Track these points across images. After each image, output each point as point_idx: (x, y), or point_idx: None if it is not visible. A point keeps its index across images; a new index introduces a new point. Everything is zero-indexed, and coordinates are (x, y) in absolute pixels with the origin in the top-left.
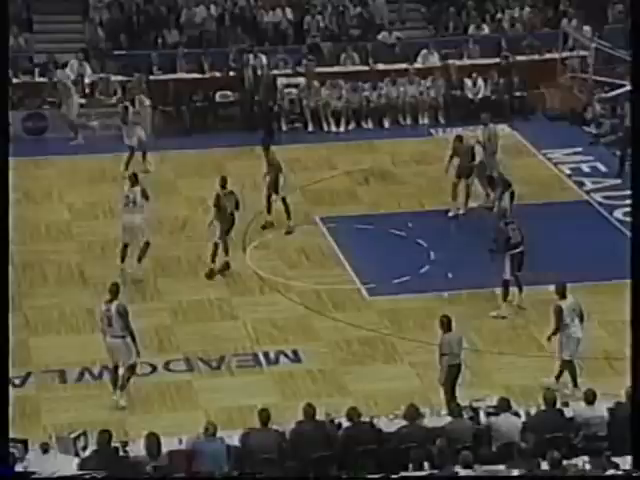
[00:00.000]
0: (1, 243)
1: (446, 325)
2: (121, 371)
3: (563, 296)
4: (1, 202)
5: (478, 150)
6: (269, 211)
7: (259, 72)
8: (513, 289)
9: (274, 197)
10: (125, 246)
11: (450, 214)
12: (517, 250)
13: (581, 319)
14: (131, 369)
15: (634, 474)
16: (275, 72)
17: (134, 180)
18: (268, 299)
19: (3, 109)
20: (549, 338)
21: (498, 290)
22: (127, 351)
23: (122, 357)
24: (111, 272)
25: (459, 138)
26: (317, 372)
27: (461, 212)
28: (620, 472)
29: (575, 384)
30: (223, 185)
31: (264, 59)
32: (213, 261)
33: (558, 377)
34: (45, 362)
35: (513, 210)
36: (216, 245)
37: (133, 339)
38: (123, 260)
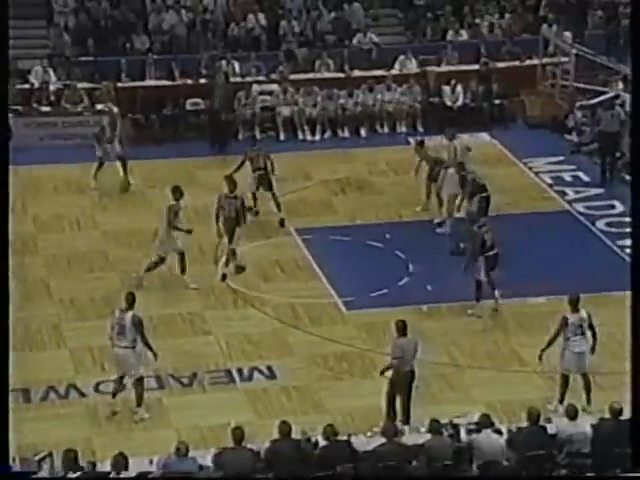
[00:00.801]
0: (2, 250)
1: (401, 329)
2: (128, 382)
3: (575, 309)
4: (1, 209)
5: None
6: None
7: (221, 79)
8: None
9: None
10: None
11: (436, 221)
12: (492, 252)
13: (593, 334)
14: (140, 381)
15: (634, 474)
16: (248, 79)
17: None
18: (242, 313)
19: (3, 115)
20: (543, 349)
21: (478, 303)
22: (136, 362)
23: (130, 368)
24: (77, 286)
25: (420, 143)
26: (292, 389)
27: (436, 221)
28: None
29: (561, 400)
30: (231, 189)
31: (224, 65)
32: (227, 265)
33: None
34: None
35: (492, 219)
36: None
37: (150, 349)
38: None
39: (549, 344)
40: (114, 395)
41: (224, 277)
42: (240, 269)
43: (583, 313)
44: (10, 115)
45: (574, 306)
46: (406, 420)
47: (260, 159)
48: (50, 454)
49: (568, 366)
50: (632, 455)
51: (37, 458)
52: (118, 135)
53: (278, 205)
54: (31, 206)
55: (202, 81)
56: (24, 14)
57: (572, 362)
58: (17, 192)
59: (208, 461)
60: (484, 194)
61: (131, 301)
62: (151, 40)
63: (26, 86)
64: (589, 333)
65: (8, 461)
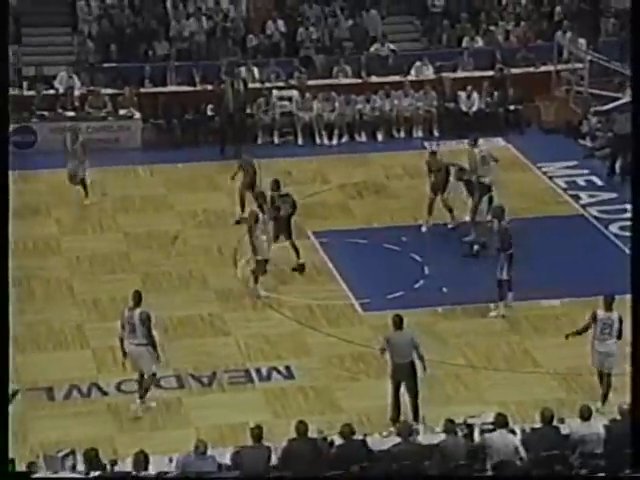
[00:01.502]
0: (2, 251)
1: (397, 324)
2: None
3: (608, 308)
4: (1, 215)
5: (453, 170)
6: (242, 208)
7: (240, 85)
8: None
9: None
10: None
11: (450, 226)
12: (510, 251)
13: (618, 336)
14: (152, 378)
15: (634, 474)
16: (267, 85)
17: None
18: (260, 315)
19: (3, 122)
20: (567, 336)
21: (493, 305)
22: (150, 359)
23: (144, 364)
24: (100, 287)
25: (433, 154)
26: (310, 389)
27: (450, 227)
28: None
29: (604, 399)
30: (276, 188)
31: (244, 71)
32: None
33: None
34: (33, 379)
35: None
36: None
37: (154, 347)
38: (256, 281)
39: (578, 333)
40: (142, 396)
41: (301, 268)
42: (301, 267)
43: (615, 314)
44: (35, 120)
45: (608, 305)
46: (415, 415)
47: (249, 168)
48: (73, 451)
49: (594, 363)
50: (632, 455)
51: (60, 455)
52: (79, 150)
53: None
54: (55, 209)
55: (222, 86)
56: (49, 22)
57: (597, 360)
58: (41, 195)
59: (227, 459)
60: (490, 194)
61: (137, 299)
62: (172, 47)
63: (51, 92)
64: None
65: (8, 461)
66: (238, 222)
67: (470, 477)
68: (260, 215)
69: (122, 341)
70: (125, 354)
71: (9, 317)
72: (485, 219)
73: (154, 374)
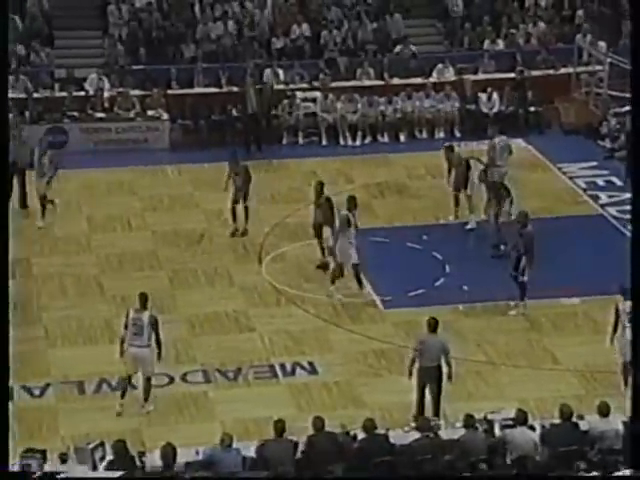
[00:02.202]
0: (1, 253)
1: (432, 326)
2: (138, 380)
3: (627, 298)
4: (1, 212)
5: (475, 163)
6: (234, 219)
7: (266, 87)
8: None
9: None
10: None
11: (468, 226)
12: (532, 254)
13: None
14: (150, 379)
15: (634, 474)
16: (292, 86)
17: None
18: (284, 311)
19: (3, 124)
20: (612, 335)
21: (513, 303)
22: (153, 361)
23: (147, 366)
24: (128, 284)
25: (450, 148)
26: (333, 384)
27: (469, 227)
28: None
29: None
30: (320, 190)
31: (269, 73)
32: (323, 255)
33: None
34: (64, 373)
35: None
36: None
37: (160, 350)
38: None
39: (614, 330)
40: (123, 394)
41: (325, 266)
42: (324, 265)
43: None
44: (67, 121)
45: (626, 296)
46: (435, 413)
47: (241, 172)
48: (102, 443)
49: (622, 354)
50: (632, 455)
51: (90, 447)
52: (47, 165)
53: (247, 218)
54: (85, 207)
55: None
56: (80, 25)
57: (624, 349)
58: (72, 194)
59: (251, 452)
60: (512, 197)
61: (144, 301)
62: (199, 49)
63: (82, 93)
64: None
65: (7, 461)
66: (234, 234)
67: (464, 477)
68: (352, 219)
69: (122, 341)
70: (122, 354)
71: (9, 317)
72: (506, 220)
73: (149, 376)
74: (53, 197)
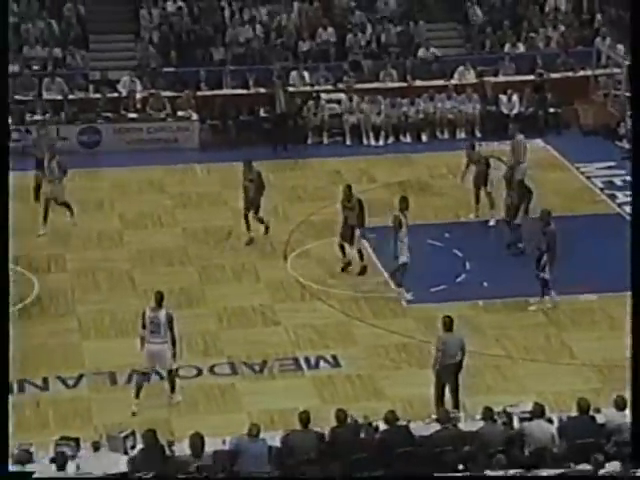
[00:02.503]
0: (2, 251)
1: (448, 324)
2: (155, 376)
3: None
4: (2, 211)
5: (495, 162)
6: (248, 227)
7: (289, 88)
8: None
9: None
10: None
11: (490, 223)
12: (554, 252)
13: None
14: (172, 372)
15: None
16: (317, 88)
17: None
18: (309, 306)
19: (4, 126)
20: None
21: (532, 299)
22: (171, 356)
23: (166, 362)
24: (159, 279)
25: (471, 146)
26: (355, 377)
27: (491, 224)
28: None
29: None
30: (348, 199)
31: (295, 75)
32: (344, 255)
33: None
34: (97, 364)
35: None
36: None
37: (174, 345)
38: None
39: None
40: (138, 392)
41: (348, 265)
42: (347, 264)
43: None
44: (100, 121)
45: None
46: (455, 405)
47: (255, 179)
48: (133, 432)
49: None
50: (632, 455)
51: (122, 436)
52: (56, 169)
53: (261, 222)
54: (118, 204)
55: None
56: (114, 29)
57: None
58: (105, 192)
59: (277, 442)
60: (531, 195)
61: (160, 299)
62: (228, 52)
63: (115, 95)
64: None
65: (7, 461)
66: (249, 243)
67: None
68: (403, 219)
69: (142, 340)
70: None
71: (9, 314)
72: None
73: (171, 369)
74: (67, 199)
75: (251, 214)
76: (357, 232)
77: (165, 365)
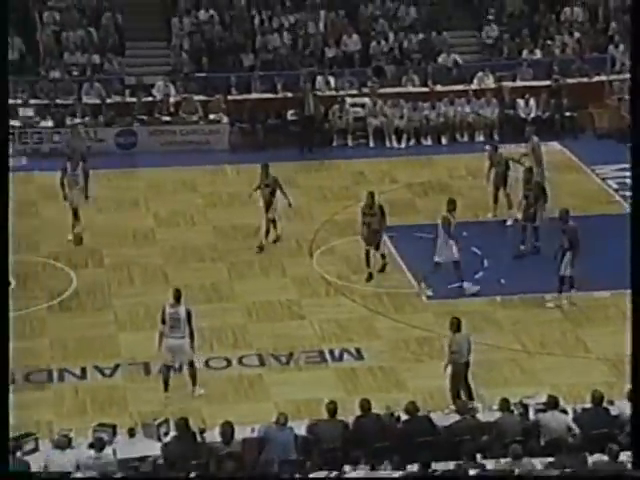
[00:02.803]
0: (2, 250)
1: (455, 326)
2: (178, 370)
3: None
4: (2, 211)
5: (513, 164)
6: (267, 233)
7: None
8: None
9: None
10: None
11: (508, 223)
12: (576, 249)
13: None
14: (193, 364)
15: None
16: (342, 92)
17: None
18: (333, 301)
19: (4, 126)
20: None
21: (548, 295)
22: (190, 350)
23: (186, 356)
24: (190, 274)
25: (494, 148)
26: (378, 369)
27: (509, 223)
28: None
29: None
30: (371, 205)
31: (321, 80)
32: (368, 265)
33: None
34: (132, 355)
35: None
36: (367, 251)
37: (193, 339)
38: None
39: None
40: (166, 385)
41: (370, 277)
42: (383, 267)
43: None
44: (136, 124)
45: None
46: (470, 397)
47: (270, 184)
48: (166, 420)
49: None
50: (632, 455)
51: (156, 423)
52: (81, 176)
53: (275, 227)
54: (152, 203)
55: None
56: (148, 37)
57: None
58: (140, 191)
59: (302, 431)
60: (546, 196)
61: (178, 296)
62: (257, 58)
63: (150, 99)
64: None
65: (8, 461)
66: (261, 249)
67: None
68: (452, 220)
69: (161, 335)
70: (161, 347)
71: (9, 312)
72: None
73: (192, 362)
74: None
75: (266, 218)
76: (382, 236)
77: (185, 358)
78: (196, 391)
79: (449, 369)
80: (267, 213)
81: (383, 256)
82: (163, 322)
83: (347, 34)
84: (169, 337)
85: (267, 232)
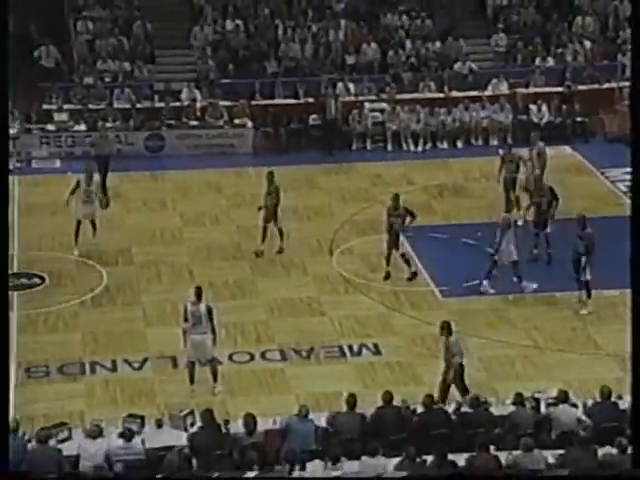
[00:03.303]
0: (2, 250)
1: (447, 330)
2: (199, 366)
3: None
4: (1, 211)
5: (522, 167)
6: (263, 239)
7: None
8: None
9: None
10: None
11: (519, 223)
12: (593, 254)
13: None
14: (214, 361)
15: (634, 474)
16: (361, 98)
17: None
18: (352, 298)
19: (3, 124)
20: None
21: (559, 294)
22: (212, 346)
23: (207, 350)
24: (215, 272)
25: (509, 148)
26: (395, 364)
27: (519, 223)
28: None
29: None
30: (396, 207)
31: (341, 87)
32: (388, 264)
33: None
34: (159, 349)
35: (573, 222)
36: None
37: (214, 335)
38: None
39: None
40: (192, 378)
41: (388, 275)
42: (414, 275)
43: None
44: (164, 128)
45: None
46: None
47: (273, 192)
48: (192, 412)
49: None
50: (632, 455)
51: (182, 414)
52: (94, 190)
53: (281, 235)
54: (179, 204)
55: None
56: (176, 45)
57: None
58: (168, 192)
59: (322, 422)
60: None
61: (199, 294)
62: (280, 65)
63: (177, 104)
64: None
65: (8, 461)
66: (258, 255)
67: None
68: (512, 221)
69: (185, 332)
70: (186, 344)
71: (8, 308)
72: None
73: (214, 357)
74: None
75: (270, 225)
76: (401, 237)
77: (207, 354)
78: (216, 388)
79: (452, 371)
80: (268, 221)
81: (407, 260)
82: (185, 320)
83: (366, 42)
84: (192, 333)
85: (264, 238)
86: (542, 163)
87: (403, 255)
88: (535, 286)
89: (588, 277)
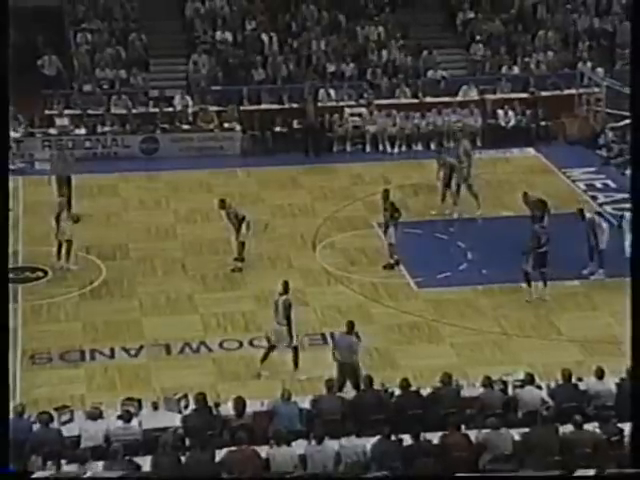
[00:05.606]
0: (2, 247)
1: (349, 328)
2: (276, 352)
3: None
4: (2, 211)
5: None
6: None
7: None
8: (536, 283)
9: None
10: None
11: (455, 216)
12: (541, 250)
13: None
14: (295, 349)
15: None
16: (341, 103)
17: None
18: (334, 289)
19: (4, 128)
20: None
21: (524, 285)
22: (286, 337)
23: (284, 338)
24: (206, 265)
25: (438, 152)
26: (374, 350)
27: (454, 216)
28: (619, 472)
29: None
30: (387, 196)
31: (322, 93)
32: (392, 257)
33: None
34: (154, 337)
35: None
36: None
37: (290, 329)
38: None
39: None
40: (263, 360)
41: (391, 266)
42: (395, 263)
43: None
44: (158, 132)
45: None
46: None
47: (232, 213)
48: (185, 395)
49: None
50: (632, 455)
51: (176, 398)
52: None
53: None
54: (172, 202)
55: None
56: (170, 54)
57: None
58: (162, 192)
59: (306, 405)
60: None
61: (285, 287)
62: (266, 73)
63: (171, 109)
64: None
65: (8, 460)
66: (234, 270)
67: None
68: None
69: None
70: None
71: (8, 306)
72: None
73: (295, 347)
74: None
75: (235, 240)
76: (390, 229)
77: (282, 341)
78: (297, 374)
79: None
80: (237, 236)
81: (391, 252)
82: (274, 308)
83: (346, 52)
84: (274, 321)
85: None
86: (469, 163)
87: (391, 247)
88: (602, 271)
89: (529, 269)
